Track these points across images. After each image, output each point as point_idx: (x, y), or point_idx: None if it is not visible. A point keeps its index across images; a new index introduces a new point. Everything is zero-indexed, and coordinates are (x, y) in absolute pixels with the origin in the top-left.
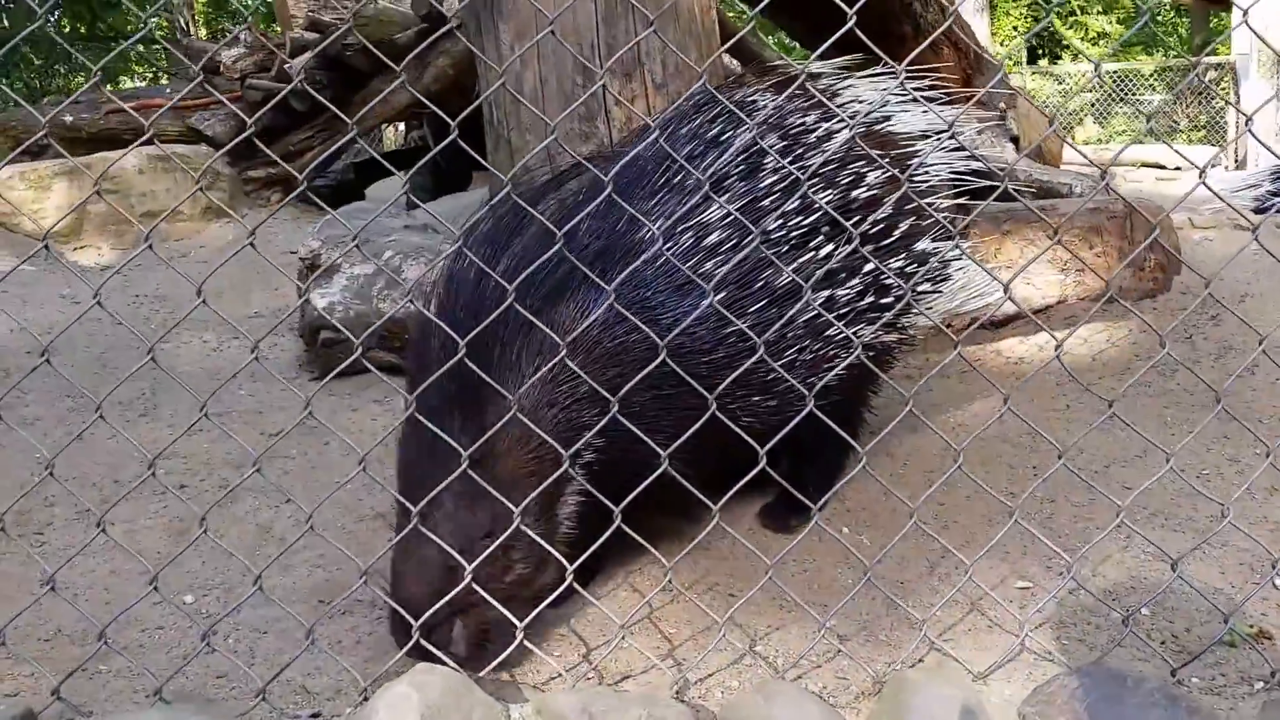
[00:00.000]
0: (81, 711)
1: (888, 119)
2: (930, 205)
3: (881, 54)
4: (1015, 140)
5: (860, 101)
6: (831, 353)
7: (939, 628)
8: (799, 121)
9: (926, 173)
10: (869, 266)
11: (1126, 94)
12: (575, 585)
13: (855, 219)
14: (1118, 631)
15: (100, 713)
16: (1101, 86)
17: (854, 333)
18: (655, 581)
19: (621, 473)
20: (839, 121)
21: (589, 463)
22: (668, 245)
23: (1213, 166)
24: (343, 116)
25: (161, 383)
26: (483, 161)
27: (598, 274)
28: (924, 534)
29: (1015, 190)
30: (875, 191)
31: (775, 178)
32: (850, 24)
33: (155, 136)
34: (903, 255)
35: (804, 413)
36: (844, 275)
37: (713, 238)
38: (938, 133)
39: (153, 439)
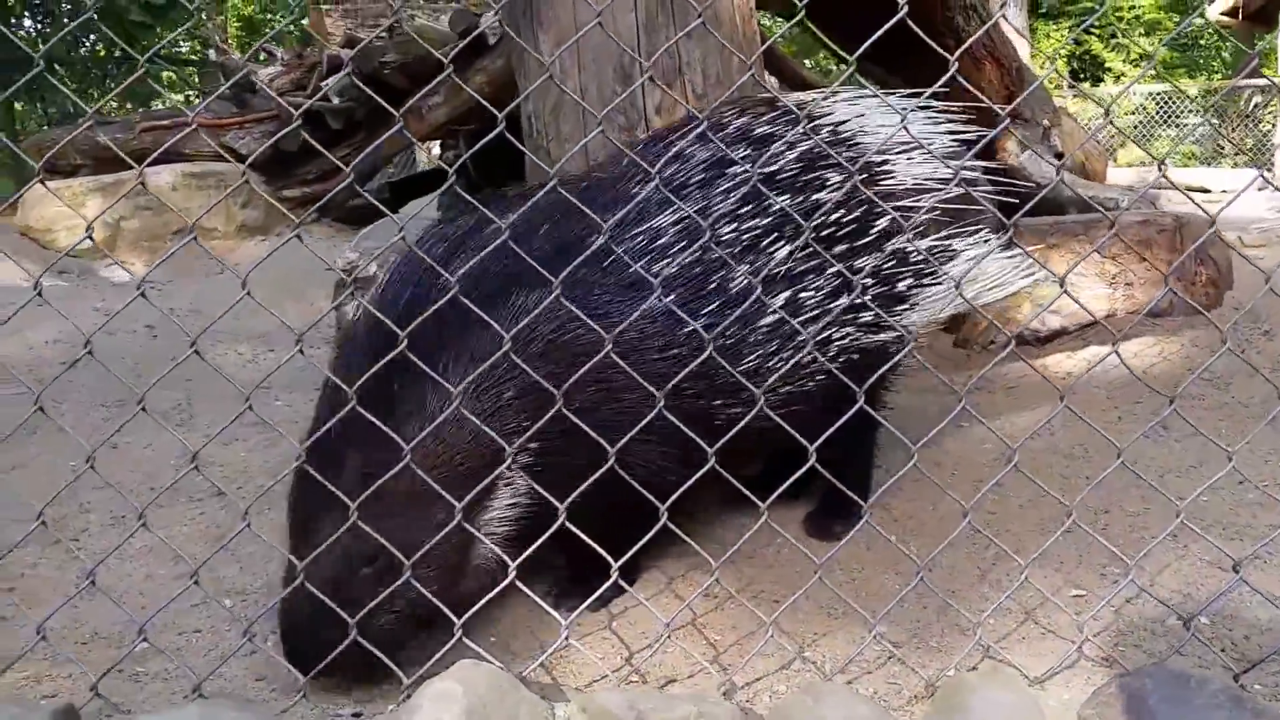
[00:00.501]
0: (120, 709)
1: (856, 129)
2: (904, 204)
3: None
4: (1059, 156)
5: (833, 117)
6: (809, 357)
7: (992, 635)
8: (765, 133)
9: (894, 175)
10: (831, 268)
11: (1170, 117)
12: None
13: (815, 220)
14: (1176, 638)
15: (139, 711)
16: (1142, 110)
17: (829, 336)
18: (697, 587)
19: (568, 473)
20: (802, 130)
21: (529, 465)
22: (619, 247)
23: (1259, 189)
24: (399, 122)
25: (198, 393)
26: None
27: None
28: (974, 543)
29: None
30: (838, 193)
31: (732, 184)
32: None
33: (191, 155)
34: (878, 255)
35: (751, 413)
36: (808, 276)
37: (664, 240)
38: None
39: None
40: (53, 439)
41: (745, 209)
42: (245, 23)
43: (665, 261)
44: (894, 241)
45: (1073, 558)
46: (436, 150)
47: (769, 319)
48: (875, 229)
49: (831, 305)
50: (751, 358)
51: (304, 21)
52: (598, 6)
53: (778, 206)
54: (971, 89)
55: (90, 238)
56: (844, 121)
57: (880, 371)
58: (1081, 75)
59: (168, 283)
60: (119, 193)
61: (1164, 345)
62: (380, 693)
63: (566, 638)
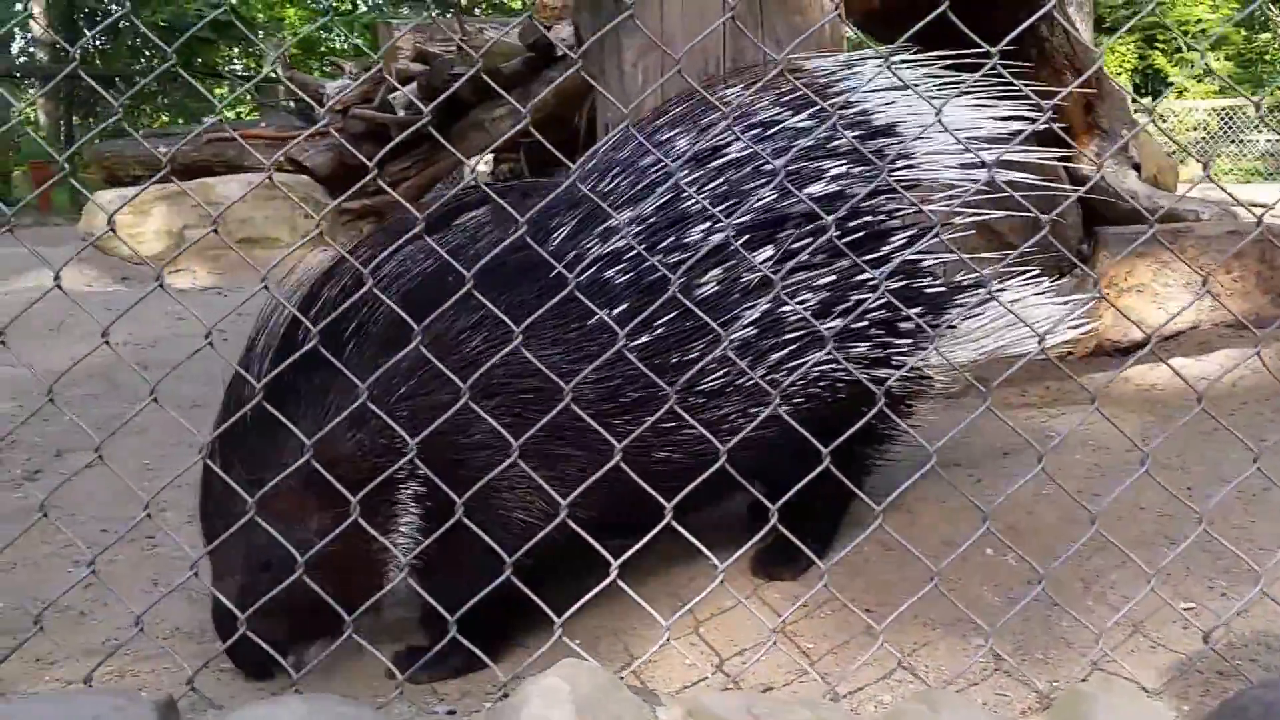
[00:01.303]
0: (213, 704)
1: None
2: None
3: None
4: (1137, 167)
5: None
6: (791, 386)
7: (1097, 648)
8: (762, 119)
9: (912, 168)
10: (825, 279)
11: (1232, 132)
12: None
13: (804, 221)
14: None
15: (230, 707)
16: (1205, 126)
17: (807, 362)
18: (784, 594)
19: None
20: (808, 115)
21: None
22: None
23: None
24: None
25: None
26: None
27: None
28: (1075, 555)
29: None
30: (837, 189)
31: (708, 180)
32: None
33: (254, 168)
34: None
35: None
36: (790, 288)
37: (620, 245)
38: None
39: None
40: (128, 439)
41: (722, 206)
42: (301, 42)
43: (619, 268)
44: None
45: (1179, 570)
46: (482, 168)
47: (739, 333)
48: (886, 244)
49: (819, 326)
50: (715, 377)
51: (357, 39)
52: (684, 16)
53: (759, 204)
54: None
55: (112, 229)
56: (862, 105)
57: (864, 420)
58: (1144, 90)
59: (235, 290)
60: (184, 201)
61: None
62: (473, 690)
63: (667, 639)
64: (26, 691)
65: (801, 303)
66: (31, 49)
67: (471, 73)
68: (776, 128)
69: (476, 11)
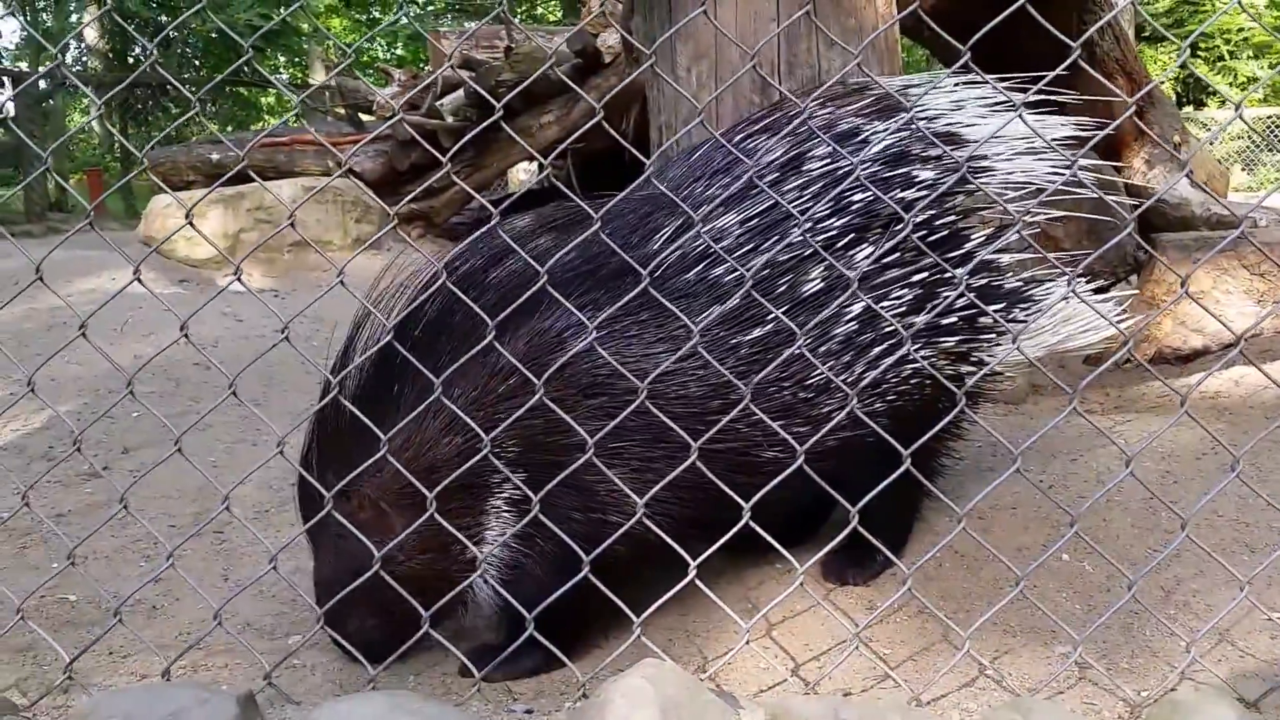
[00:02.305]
0: (290, 699)
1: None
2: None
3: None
4: (1190, 175)
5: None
6: (881, 379)
7: (1186, 657)
8: (850, 127)
9: (993, 173)
10: (918, 276)
11: (1276, 142)
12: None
13: (895, 222)
14: None
15: (306, 702)
16: (1251, 133)
17: (901, 356)
18: (857, 600)
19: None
20: (891, 125)
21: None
22: (673, 251)
23: None
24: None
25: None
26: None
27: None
28: (1150, 562)
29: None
30: (925, 194)
31: (803, 182)
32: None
33: (305, 173)
34: (971, 270)
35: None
36: (885, 285)
37: (727, 243)
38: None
39: None
40: (193, 436)
41: (818, 208)
42: (343, 50)
43: (724, 266)
44: (990, 250)
45: (1262, 580)
46: (523, 176)
47: (843, 328)
48: (968, 242)
49: (911, 321)
50: (820, 373)
51: (400, 51)
52: (738, 20)
53: (856, 206)
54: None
55: (190, 222)
56: (939, 115)
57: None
58: (1185, 99)
59: (290, 293)
60: (238, 205)
61: None
62: (548, 690)
63: (747, 640)
64: (103, 684)
65: (898, 299)
66: (85, 58)
67: (530, 78)
68: (860, 137)
69: (515, 21)
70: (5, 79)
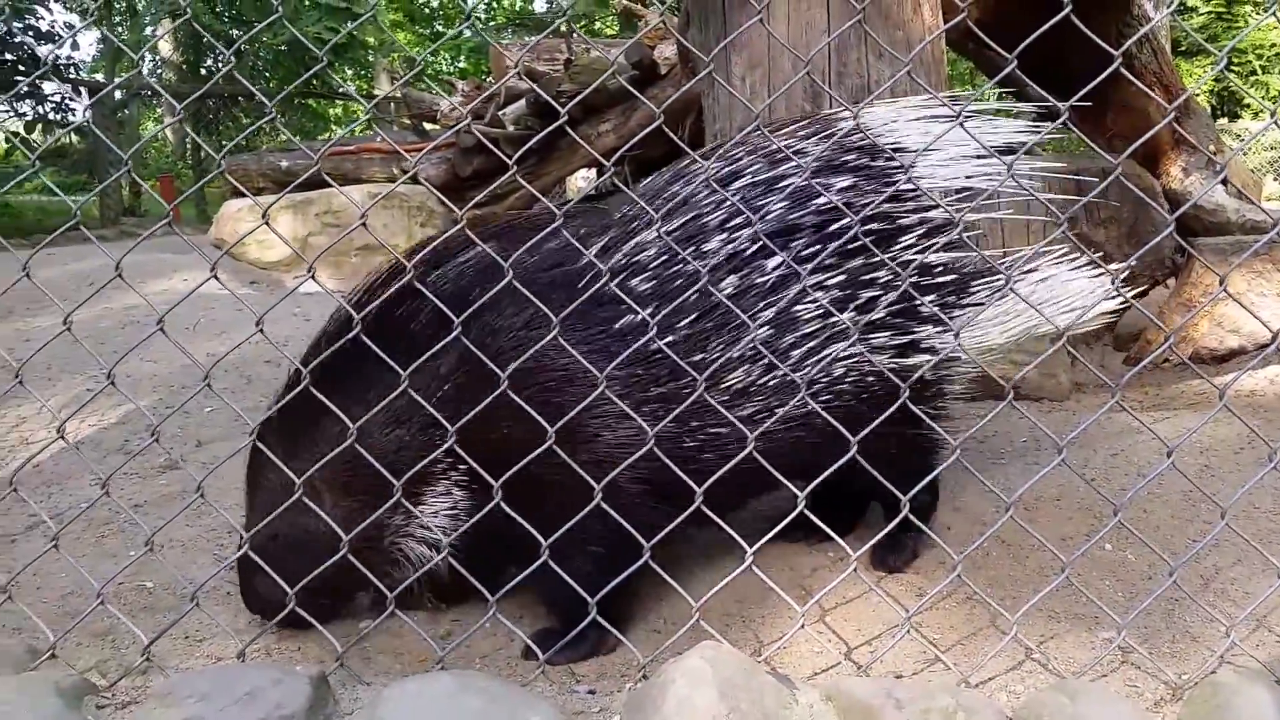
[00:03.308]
0: (360, 680)
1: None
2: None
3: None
4: (1225, 182)
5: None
6: (819, 381)
7: (1225, 641)
8: (781, 144)
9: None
10: (835, 279)
11: None
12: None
13: (812, 229)
14: None
15: (375, 683)
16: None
17: (831, 356)
18: (907, 587)
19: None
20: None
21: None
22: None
23: None
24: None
25: None
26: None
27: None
28: (1189, 550)
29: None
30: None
31: (723, 197)
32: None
33: (370, 180)
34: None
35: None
36: (804, 289)
37: (646, 255)
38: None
39: None
40: None
41: (737, 220)
42: (409, 62)
43: (643, 276)
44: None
45: None
46: (581, 183)
47: (759, 333)
48: (899, 241)
49: (831, 321)
50: (736, 375)
51: (462, 64)
52: (791, 31)
53: (773, 215)
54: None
55: (266, 222)
56: (870, 128)
57: (897, 404)
58: (1220, 111)
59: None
60: (307, 210)
61: None
62: (609, 671)
63: (802, 625)
64: (179, 666)
65: (813, 302)
66: (159, 70)
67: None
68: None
69: (575, 34)
70: (83, 89)
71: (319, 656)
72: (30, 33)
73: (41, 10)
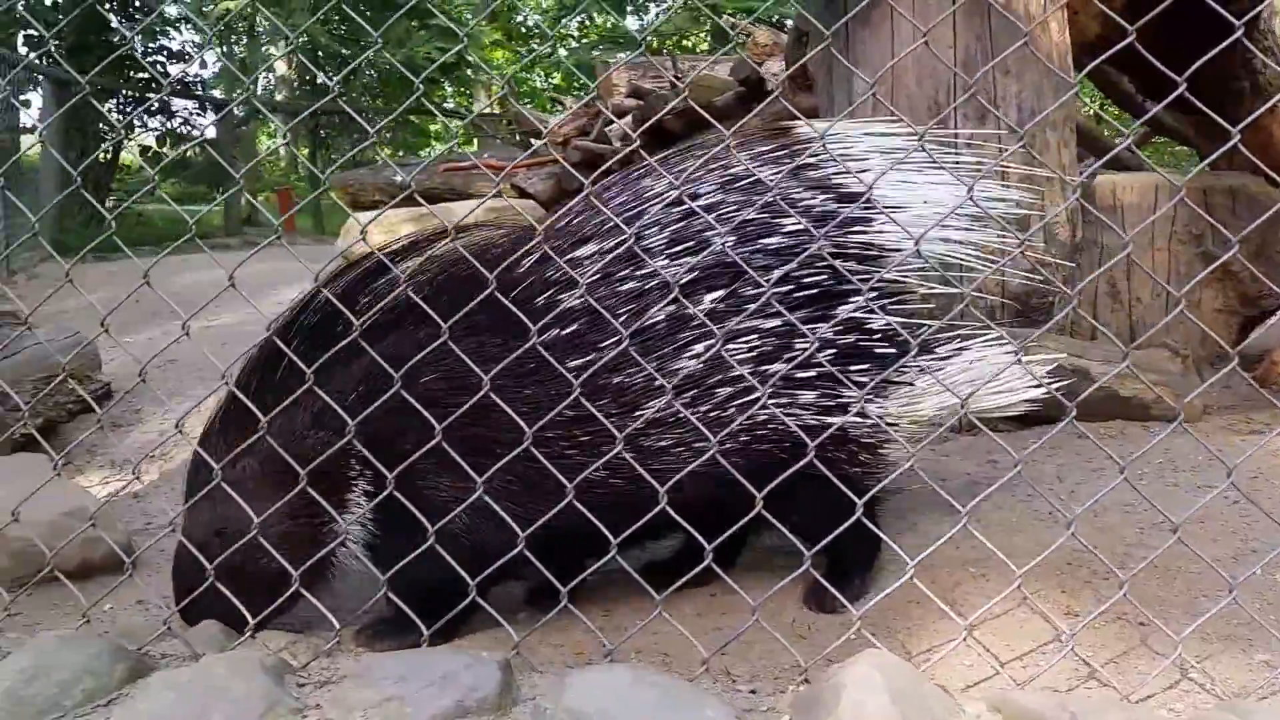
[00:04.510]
0: (537, 669)
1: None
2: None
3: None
4: None
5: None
6: (728, 420)
7: None
8: (740, 171)
9: (875, 229)
10: (767, 324)
11: None
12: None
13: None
14: None
15: (548, 672)
16: None
17: (754, 400)
18: (1055, 605)
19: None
20: (774, 169)
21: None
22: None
23: None
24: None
25: None
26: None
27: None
28: None
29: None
30: (791, 242)
31: (672, 222)
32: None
33: (479, 195)
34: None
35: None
36: (738, 331)
37: (579, 271)
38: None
39: None
40: None
41: (677, 248)
42: (505, 81)
43: (574, 292)
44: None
45: None
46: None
47: (683, 365)
48: (846, 301)
49: (765, 369)
50: (652, 405)
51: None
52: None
53: (716, 247)
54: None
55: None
56: (826, 159)
57: (796, 467)
58: None
59: None
60: (429, 223)
61: None
62: (761, 673)
63: (965, 638)
64: (362, 652)
65: (747, 344)
66: (272, 87)
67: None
68: (745, 181)
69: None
70: (208, 105)
71: (485, 645)
72: (163, 52)
73: (172, 30)
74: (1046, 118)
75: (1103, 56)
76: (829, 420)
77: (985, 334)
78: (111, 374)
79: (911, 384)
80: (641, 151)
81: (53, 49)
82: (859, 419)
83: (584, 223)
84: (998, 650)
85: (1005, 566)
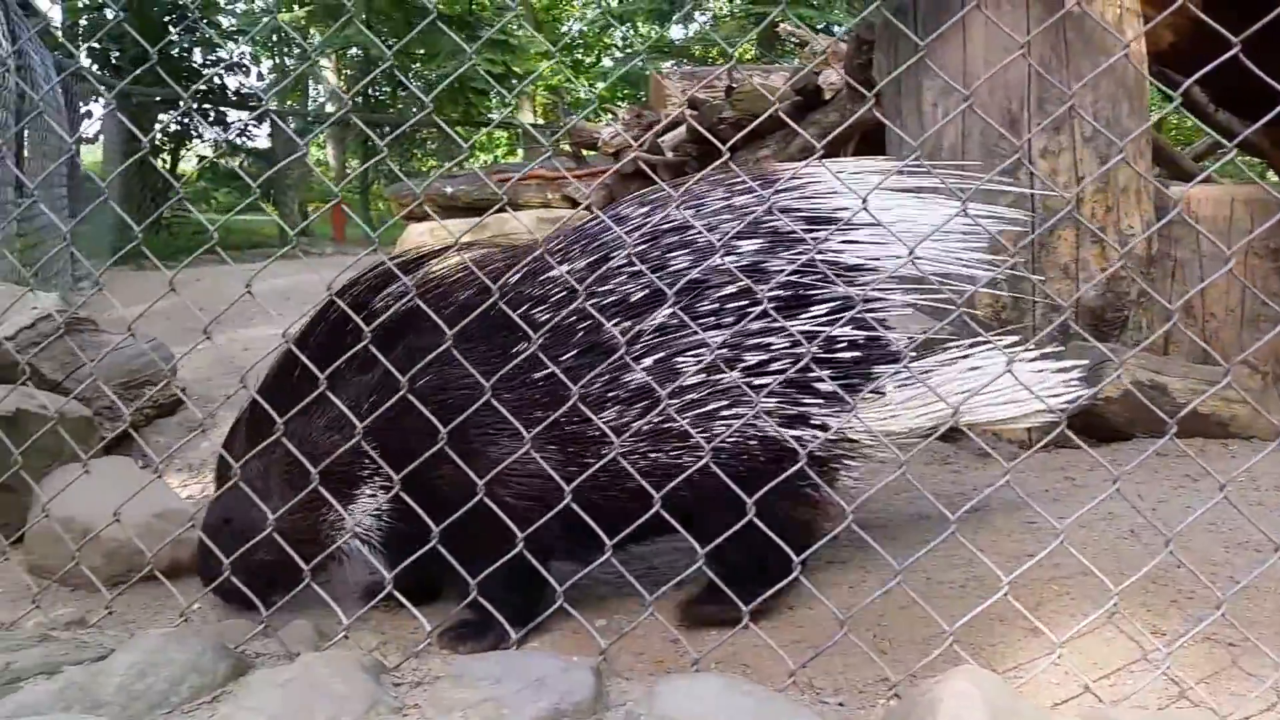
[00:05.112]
0: (621, 675)
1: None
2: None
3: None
4: None
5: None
6: (701, 433)
7: None
8: (719, 204)
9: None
10: (722, 337)
11: None
12: None
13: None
14: None
15: (636, 679)
16: None
17: (711, 411)
18: (1143, 624)
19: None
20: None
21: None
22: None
23: None
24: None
25: None
26: None
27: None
28: None
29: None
30: (754, 260)
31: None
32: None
33: (526, 205)
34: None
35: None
36: (686, 345)
37: (555, 289)
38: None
39: None
40: None
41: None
42: (550, 90)
43: (544, 307)
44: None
45: None
46: None
47: (636, 377)
48: (809, 311)
49: (716, 379)
50: (608, 414)
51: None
52: (987, 56)
53: (675, 268)
54: None
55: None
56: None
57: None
58: None
59: None
60: (483, 233)
61: None
62: (845, 686)
63: (1059, 655)
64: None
65: (695, 356)
66: (322, 99)
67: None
68: (716, 207)
69: (707, 63)
70: (264, 118)
71: (567, 652)
72: (221, 64)
73: (229, 43)
74: (1124, 128)
75: (1207, 68)
76: (796, 432)
77: (993, 343)
78: (183, 380)
79: (882, 394)
80: (731, 163)
81: (113, 60)
82: (817, 431)
83: (568, 245)
84: (1084, 669)
85: (1089, 584)
